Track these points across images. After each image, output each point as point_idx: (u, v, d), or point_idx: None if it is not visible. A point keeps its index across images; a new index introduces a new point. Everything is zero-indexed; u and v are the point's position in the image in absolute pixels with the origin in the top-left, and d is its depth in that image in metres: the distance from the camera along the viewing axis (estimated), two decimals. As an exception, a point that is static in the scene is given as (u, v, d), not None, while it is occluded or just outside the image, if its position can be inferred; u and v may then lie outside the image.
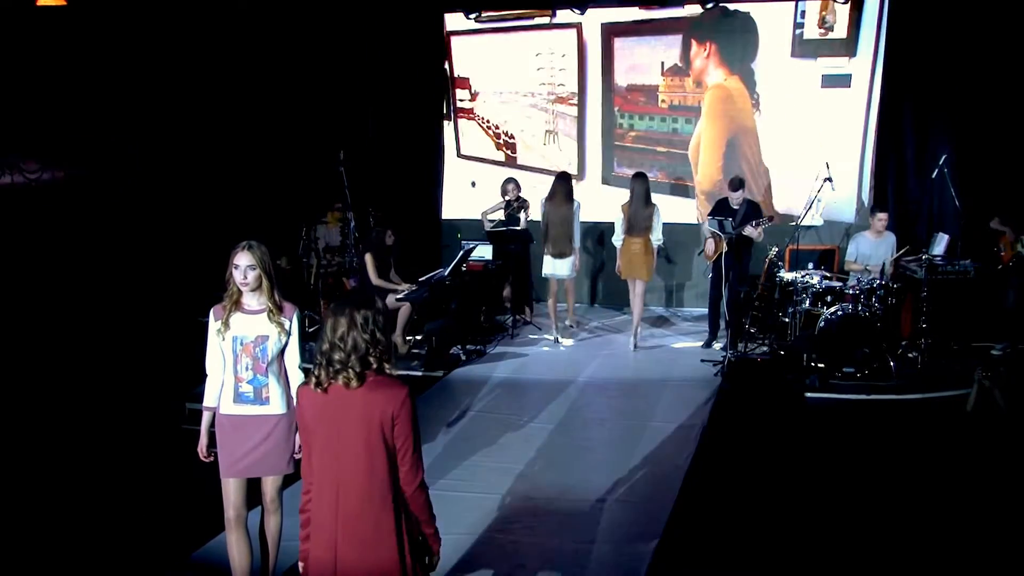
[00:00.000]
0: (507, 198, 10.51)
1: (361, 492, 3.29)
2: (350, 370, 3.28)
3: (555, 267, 10.00)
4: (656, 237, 9.56)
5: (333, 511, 3.30)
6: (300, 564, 3.48)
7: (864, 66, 10.66)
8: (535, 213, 10.33)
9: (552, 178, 10.19)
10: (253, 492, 4.81)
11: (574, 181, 10.67)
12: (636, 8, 11.37)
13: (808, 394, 8.19)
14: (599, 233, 11.58)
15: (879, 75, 10.61)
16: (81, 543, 5.61)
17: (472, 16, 11.71)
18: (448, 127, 12.39)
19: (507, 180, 10.71)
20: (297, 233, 10.80)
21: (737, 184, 9.47)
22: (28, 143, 10.63)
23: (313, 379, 3.35)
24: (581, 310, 11.50)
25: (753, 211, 9.40)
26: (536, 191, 10.87)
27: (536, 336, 10.37)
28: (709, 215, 9.63)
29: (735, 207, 9.41)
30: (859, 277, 8.85)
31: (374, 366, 3.33)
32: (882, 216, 9.06)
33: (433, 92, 12.18)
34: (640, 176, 9.66)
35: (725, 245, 9.16)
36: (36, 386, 8.66)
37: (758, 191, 10.90)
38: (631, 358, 9.50)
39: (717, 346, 9.63)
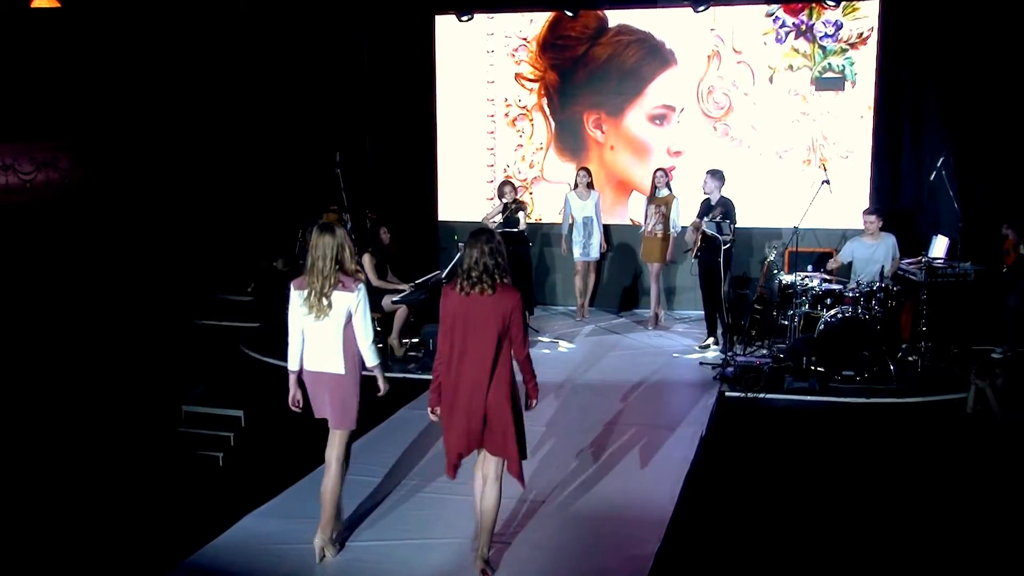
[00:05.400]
0: (504, 201, 10.47)
1: (490, 359, 4.85)
2: (484, 283, 4.79)
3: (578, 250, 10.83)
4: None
5: (472, 370, 4.87)
6: (430, 409, 5.13)
7: (859, 68, 10.65)
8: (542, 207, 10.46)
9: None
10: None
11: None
12: (627, 9, 11.35)
13: (808, 397, 8.17)
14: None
15: (874, 76, 10.60)
16: (75, 546, 5.56)
17: (464, 18, 11.66)
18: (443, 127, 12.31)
19: (503, 183, 10.69)
20: (293, 235, 10.75)
21: (720, 175, 9.55)
22: (22, 143, 10.59)
23: (459, 287, 4.87)
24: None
25: (728, 211, 9.38)
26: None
27: (534, 339, 10.32)
28: (700, 216, 9.60)
29: (712, 204, 9.42)
30: (839, 279, 8.91)
31: (498, 279, 4.82)
32: (871, 218, 9.01)
33: (426, 92, 12.12)
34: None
35: (696, 243, 9.22)
36: (33, 388, 8.60)
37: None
38: (630, 360, 9.45)
39: (712, 344, 9.61)
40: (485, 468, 5.06)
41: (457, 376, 4.93)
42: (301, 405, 5.38)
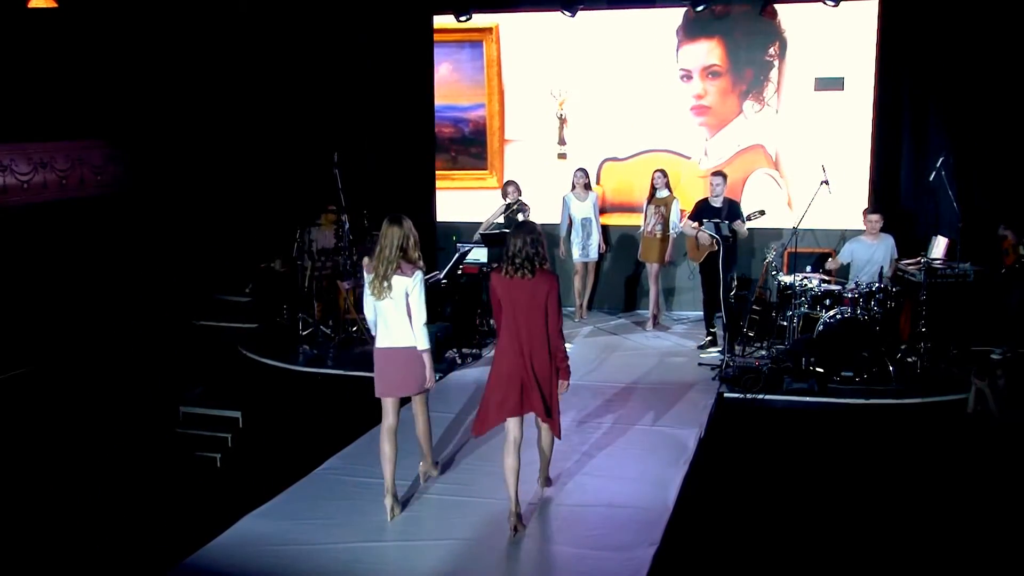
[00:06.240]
0: (507, 200, 10.44)
1: (533, 333, 5.56)
2: (525, 268, 5.48)
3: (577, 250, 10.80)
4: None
5: (518, 344, 5.57)
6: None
7: (859, 68, 10.63)
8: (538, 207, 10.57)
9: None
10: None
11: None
12: (627, 9, 11.30)
13: (807, 398, 8.15)
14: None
15: (873, 77, 10.58)
16: (74, 547, 5.55)
17: (463, 18, 11.60)
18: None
19: (507, 183, 10.66)
20: (291, 235, 10.72)
21: (719, 171, 9.51)
22: (18, 143, 10.57)
23: (504, 271, 5.58)
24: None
25: (734, 212, 9.34)
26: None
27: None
28: (691, 218, 9.56)
29: (717, 206, 9.37)
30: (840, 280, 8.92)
31: (538, 265, 5.51)
32: (874, 218, 8.99)
33: (425, 92, 12.10)
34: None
35: (715, 244, 9.13)
36: (32, 389, 8.60)
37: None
38: (628, 361, 9.43)
39: (714, 350, 9.58)
40: (515, 432, 5.73)
41: (506, 348, 5.64)
42: None
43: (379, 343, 5.91)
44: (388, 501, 5.87)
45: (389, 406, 5.97)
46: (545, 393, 5.63)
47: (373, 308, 5.86)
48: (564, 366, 5.70)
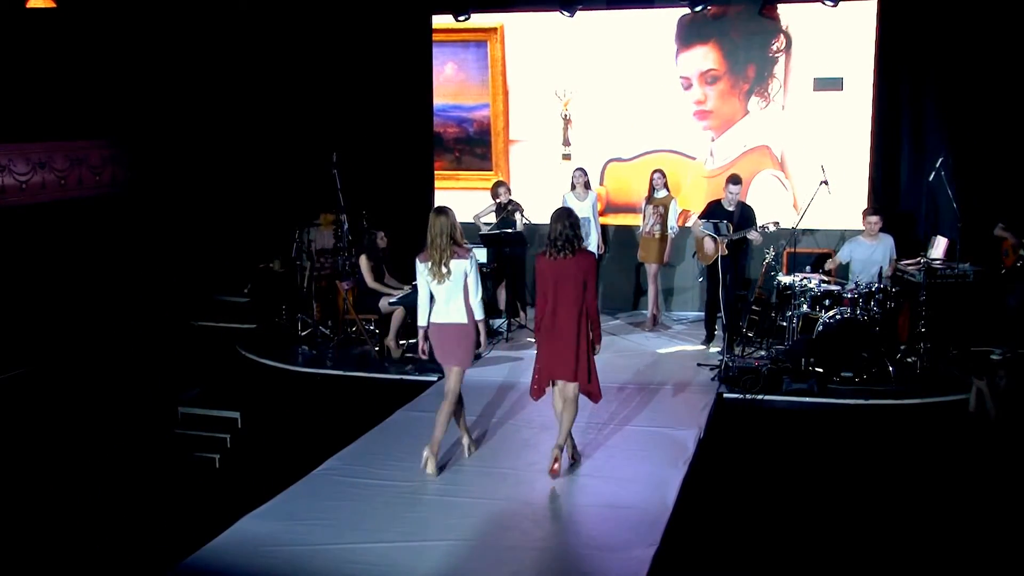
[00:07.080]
0: (499, 201, 10.43)
1: (575, 307, 6.29)
2: (567, 249, 6.23)
3: None
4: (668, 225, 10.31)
5: (566, 316, 6.29)
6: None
7: (858, 68, 10.63)
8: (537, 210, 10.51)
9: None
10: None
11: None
12: (626, 9, 11.28)
13: (806, 399, 8.15)
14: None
15: (872, 77, 10.57)
16: (72, 548, 5.54)
17: (461, 18, 11.59)
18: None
19: (498, 183, 10.64)
20: (290, 236, 10.72)
21: (737, 179, 9.43)
22: (16, 143, 10.55)
23: (548, 254, 6.29)
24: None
25: (747, 216, 9.31)
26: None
27: (531, 339, 10.27)
28: (701, 217, 9.54)
29: (729, 209, 9.33)
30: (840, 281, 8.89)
31: (577, 246, 6.27)
32: (873, 219, 8.98)
33: (424, 92, 12.09)
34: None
35: (724, 248, 9.10)
36: (30, 389, 8.58)
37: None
38: (627, 362, 9.42)
39: (714, 350, 9.56)
40: (564, 392, 6.46)
41: (552, 322, 6.33)
42: (428, 354, 6.66)
43: (434, 319, 6.50)
44: (425, 452, 6.51)
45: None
46: (585, 359, 6.34)
47: (428, 293, 6.44)
48: (599, 332, 6.47)
